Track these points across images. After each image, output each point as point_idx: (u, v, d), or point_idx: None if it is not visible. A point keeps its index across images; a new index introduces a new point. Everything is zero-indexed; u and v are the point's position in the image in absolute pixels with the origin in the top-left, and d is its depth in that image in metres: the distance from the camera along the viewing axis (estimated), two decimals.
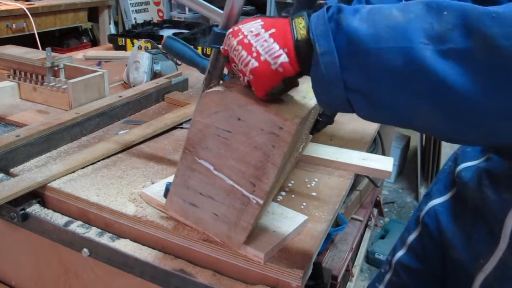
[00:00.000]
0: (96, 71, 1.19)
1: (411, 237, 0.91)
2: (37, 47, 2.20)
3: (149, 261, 0.71)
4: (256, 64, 0.51)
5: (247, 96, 0.57)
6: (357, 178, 1.80)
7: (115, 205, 0.77)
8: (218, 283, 0.67)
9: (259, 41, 0.51)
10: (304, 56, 0.50)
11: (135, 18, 3.60)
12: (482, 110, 0.43)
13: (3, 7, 2.33)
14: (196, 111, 0.62)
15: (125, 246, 0.74)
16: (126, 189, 0.82)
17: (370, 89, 0.47)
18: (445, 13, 0.44)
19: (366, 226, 2.08)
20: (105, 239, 0.75)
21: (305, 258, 0.68)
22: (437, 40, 0.43)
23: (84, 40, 3.07)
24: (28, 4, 2.46)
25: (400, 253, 0.94)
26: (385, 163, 0.94)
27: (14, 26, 2.36)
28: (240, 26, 0.54)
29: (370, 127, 1.21)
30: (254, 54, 0.51)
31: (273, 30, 0.51)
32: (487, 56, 0.41)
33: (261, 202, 0.60)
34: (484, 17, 0.42)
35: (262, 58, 0.51)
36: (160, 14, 3.83)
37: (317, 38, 0.48)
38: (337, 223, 1.59)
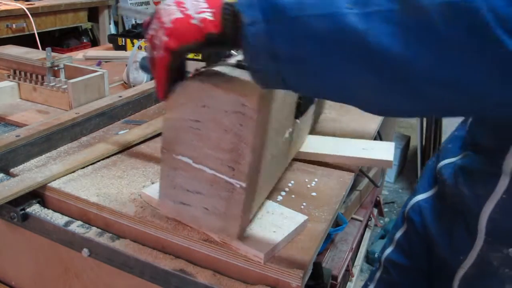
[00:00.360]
0: (96, 71, 1.19)
1: (398, 234, 0.92)
2: (37, 47, 2.20)
3: (149, 261, 0.71)
4: (179, 15, 0.51)
5: (207, 82, 0.58)
6: (357, 178, 1.81)
7: (115, 205, 0.77)
8: (218, 283, 0.67)
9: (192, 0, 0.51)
10: (229, 20, 0.49)
11: (135, 18, 3.59)
12: (411, 72, 0.42)
13: (3, 7, 2.33)
14: (165, 109, 0.63)
15: (125, 246, 0.74)
16: (126, 189, 0.82)
17: (299, 58, 0.46)
18: None
19: (366, 226, 2.08)
20: (105, 239, 0.75)
21: (305, 258, 0.68)
22: (361, 3, 0.43)
23: (84, 40, 3.07)
24: (28, 4, 2.46)
25: (388, 250, 0.94)
26: (386, 151, 0.93)
27: (14, 26, 2.36)
28: None
29: (370, 127, 1.21)
30: (182, 9, 0.51)
31: None
32: (411, 16, 0.41)
33: (244, 185, 0.60)
34: None
35: (187, 12, 0.51)
36: None
37: (242, 8, 0.47)
38: (337, 223, 1.60)
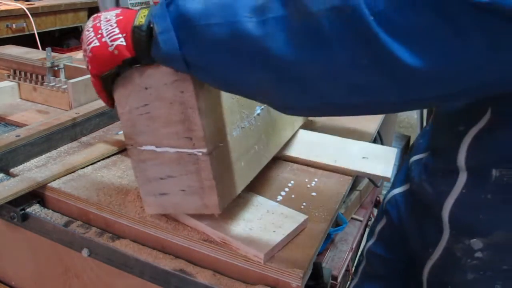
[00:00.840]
0: None
1: (379, 227, 0.93)
2: (37, 47, 2.19)
3: (149, 261, 0.71)
4: (97, 43, 0.56)
5: (141, 66, 0.60)
6: (357, 178, 1.80)
7: (115, 205, 0.77)
8: (218, 283, 0.67)
9: (106, 25, 0.56)
10: (140, 42, 0.54)
11: None
12: (306, 72, 0.46)
13: (3, 7, 2.33)
14: (117, 107, 0.65)
15: (125, 246, 0.74)
16: (126, 189, 0.82)
17: (205, 63, 0.52)
18: None
19: (366, 226, 2.08)
20: (105, 239, 0.75)
21: (305, 258, 0.68)
22: (259, 12, 0.46)
23: None
24: (28, 4, 2.46)
25: (370, 243, 0.96)
26: (385, 165, 0.95)
27: (14, 26, 2.36)
28: (103, 13, 0.59)
29: (370, 127, 1.21)
30: (99, 36, 0.56)
31: (120, 18, 0.57)
32: (301, 22, 0.44)
33: (205, 150, 0.61)
34: None
35: (103, 39, 0.56)
36: None
37: (155, 20, 0.52)
38: (337, 223, 1.59)
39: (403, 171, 0.89)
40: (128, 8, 0.60)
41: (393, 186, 0.90)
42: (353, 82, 0.45)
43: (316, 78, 0.46)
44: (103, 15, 0.59)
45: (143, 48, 0.54)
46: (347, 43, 0.43)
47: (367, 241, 0.98)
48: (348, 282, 1.02)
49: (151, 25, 0.53)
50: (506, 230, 0.63)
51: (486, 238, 0.65)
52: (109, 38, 0.56)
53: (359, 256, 1.00)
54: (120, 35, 0.55)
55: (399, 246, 0.87)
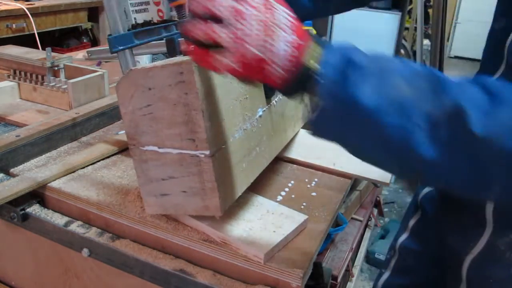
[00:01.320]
0: (96, 71, 1.19)
1: (412, 221, 0.93)
2: (37, 47, 2.19)
3: (149, 261, 0.71)
4: (261, 55, 0.47)
5: (144, 66, 0.61)
6: (357, 178, 1.80)
7: (115, 205, 0.77)
8: (218, 283, 0.67)
9: (280, 38, 0.47)
10: (300, 77, 0.49)
11: (135, 18, 3.60)
12: (443, 177, 0.50)
13: (3, 7, 2.33)
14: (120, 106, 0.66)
15: (125, 246, 0.74)
16: (126, 189, 0.82)
17: (353, 143, 0.52)
18: (446, 100, 0.46)
19: (366, 226, 2.08)
20: (105, 239, 0.75)
21: (305, 258, 0.68)
22: (432, 126, 0.46)
23: (84, 40, 3.07)
24: (28, 4, 2.45)
25: (402, 237, 0.95)
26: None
27: (14, 26, 2.35)
28: (274, 3, 0.48)
29: None
30: (268, 46, 0.47)
31: (295, 38, 0.48)
32: (465, 148, 0.46)
33: (207, 152, 0.61)
34: (477, 114, 0.45)
35: (271, 52, 0.47)
36: (160, 14, 3.83)
37: (323, 95, 0.48)
38: (337, 223, 1.60)
39: None
40: (297, 21, 0.50)
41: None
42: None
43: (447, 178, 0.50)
44: (277, 13, 0.48)
45: (299, 87, 0.51)
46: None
47: (398, 235, 0.97)
48: (376, 276, 1.04)
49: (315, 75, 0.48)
50: None
51: None
52: (278, 58, 0.48)
53: (390, 251, 1.01)
54: (287, 61, 0.48)
55: (434, 241, 0.86)
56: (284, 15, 0.48)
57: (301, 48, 0.48)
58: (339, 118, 0.49)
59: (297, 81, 0.49)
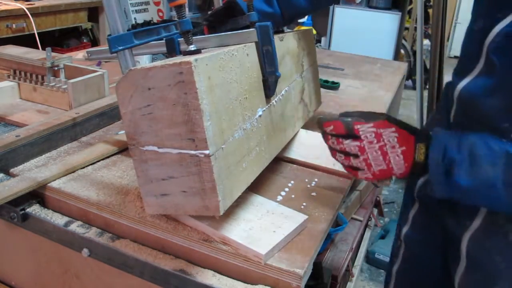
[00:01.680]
0: (96, 71, 1.19)
1: (412, 213, 1.01)
2: (37, 47, 2.20)
3: (149, 261, 0.71)
4: (385, 167, 0.73)
5: (143, 66, 0.62)
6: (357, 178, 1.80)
7: (115, 205, 0.77)
8: (218, 283, 0.67)
9: (393, 154, 0.72)
10: (414, 173, 0.73)
11: (135, 18, 3.60)
12: None
13: (3, 7, 2.33)
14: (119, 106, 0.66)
15: (125, 246, 0.74)
16: (126, 189, 0.82)
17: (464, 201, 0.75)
18: None
19: (366, 226, 2.08)
20: (105, 239, 0.75)
21: (305, 258, 0.68)
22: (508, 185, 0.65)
23: (84, 40, 3.07)
24: (28, 4, 2.45)
25: (405, 229, 1.04)
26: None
27: (14, 26, 2.36)
28: (381, 131, 0.71)
29: None
30: (387, 162, 0.72)
31: (403, 148, 0.71)
32: None
33: (207, 152, 0.61)
34: None
35: (390, 165, 0.72)
36: (160, 14, 3.83)
37: (434, 182, 0.70)
38: (337, 223, 1.59)
39: None
40: (397, 124, 0.72)
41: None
42: None
43: None
44: (384, 134, 0.71)
45: (412, 177, 0.71)
46: None
47: (401, 226, 1.06)
48: (388, 266, 1.13)
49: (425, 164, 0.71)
50: None
51: None
52: (397, 168, 0.72)
53: (396, 241, 1.10)
54: (403, 167, 0.72)
55: (435, 227, 0.94)
56: (391, 135, 0.71)
57: (408, 154, 0.72)
58: (448, 191, 0.70)
59: (412, 172, 0.73)
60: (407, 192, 1.01)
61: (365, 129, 0.71)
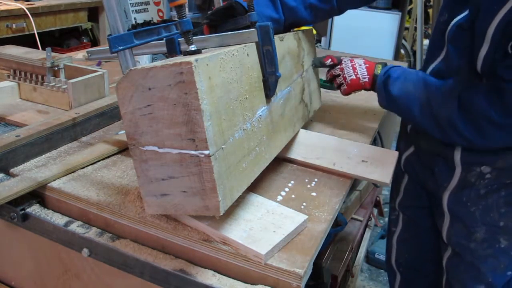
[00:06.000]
0: (96, 71, 1.19)
1: (403, 184, 1.24)
2: (37, 47, 2.19)
3: (149, 261, 0.71)
4: (354, 77, 1.09)
5: (143, 66, 0.62)
6: (357, 178, 1.80)
7: (115, 205, 0.77)
8: (218, 283, 0.67)
9: (360, 68, 1.09)
10: (375, 82, 1.07)
11: (135, 18, 3.59)
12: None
13: (3, 7, 2.33)
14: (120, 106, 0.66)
15: (125, 246, 0.74)
16: (126, 189, 0.82)
17: (393, 109, 1.08)
18: (428, 91, 0.98)
19: (366, 226, 2.08)
20: (105, 239, 0.75)
21: (305, 258, 0.68)
22: (421, 102, 0.98)
23: (84, 40, 3.07)
24: (28, 4, 2.45)
25: (399, 198, 1.27)
26: (385, 170, 0.95)
27: (14, 26, 2.35)
28: (355, 58, 1.11)
29: (370, 126, 1.21)
30: (355, 73, 1.09)
31: (367, 65, 1.09)
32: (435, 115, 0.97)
33: (207, 152, 0.61)
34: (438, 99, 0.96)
35: (358, 75, 1.09)
36: (160, 14, 3.82)
37: (379, 88, 1.06)
38: (337, 223, 1.60)
39: (405, 138, 1.19)
40: (365, 59, 1.13)
41: (403, 151, 1.20)
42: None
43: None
44: (357, 61, 1.10)
45: (375, 85, 1.07)
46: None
47: (394, 197, 1.29)
48: (391, 235, 1.35)
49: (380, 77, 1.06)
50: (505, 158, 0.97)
51: (493, 164, 0.98)
52: (361, 76, 1.08)
53: (393, 211, 1.31)
54: (367, 76, 1.08)
55: (422, 193, 1.18)
56: (360, 60, 1.11)
57: (370, 69, 1.09)
58: (385, 99, 1.05)
59: (375, 82, 1.07)
60: (397, 167, 1.11)
61: (345, 58, 1.12)
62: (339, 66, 1.10)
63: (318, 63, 1.15)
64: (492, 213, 1.00)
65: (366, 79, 1.06)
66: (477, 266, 1.05)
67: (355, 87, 1.08)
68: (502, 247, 1.02)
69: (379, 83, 1.04)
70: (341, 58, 1.11)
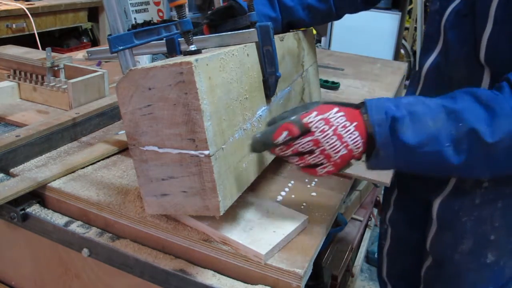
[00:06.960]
0: (96, 71, 1.19)
1: (393, 197, 1.17)
2: (37, 47, 2.19)
3: (149, 261, 0.71)
4: (345, 151, 0.66)
5: (144, 66, 0.62)
6: (357, 178, 1.80)
7: (115, 205, 0.77)
8: (218, 283, 0.67)
9: (347, 133, 0.65)
10: (371, 148, 0.67)
11: (135, 18, 3.59)
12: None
13: (3, 7, 2.33)
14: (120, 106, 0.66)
15: (125, 246, 0.74)
16: (126, 189, 0.82)
17: (410, 170, 0.76)
18: (461, 125, 0.65)
19: (366, 226, 2.08)
20: (105, 239, 0.75)
21: (305, 258, 0.68)
22: (456, 143, 0.66)
23: (84, 40, 3.07)
24: (28, 4, 2.45)
25: (389, 213, 1.19)
26: (384, 172, 0.95)
27: (14, 26, 2.35)
28: (327, 115, 0.65)
29: None
30: (345, 144, 0.65)
31: (355, 123, 0.66)
32: (482, 152, 0.66)
33: (207, 152, 0.61)
34: (485, 128, 0.65)
35: (349, 147, 0.65)
36: (160, 14, 3.82)
37: (381, 146, 0.66)
38: (337, 223, 1.60)
39: None
40: (339, 104, 0.68)
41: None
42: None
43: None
44: (337, 121, 0.65)
45: (371, 151, 0.67)
46: None
47: (385, 212, 1.21)
48: (376, 254, 1.31)
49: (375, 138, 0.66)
50: None
51: None
52: (355, 146, 0.66)
53: (382, 225, 1.26)
54: (360, 141, 0.66)
55: (411, 204, 1.10)
56: (338, 115, 0.66)
57: (361, 127, 0.66)
58: (393, 157, 0.67)
59: (372, 147, 0.67)
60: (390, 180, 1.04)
61: (314, 119, 0.64)
62: (309, 138, 0.64)
63: (261, 145, 0.66)
64: (484, 225, 0.91)
65: (361, 147, 0.66)
66: (457, 280, 0.99)
67: (345, 164, 0.67)
68: (488, 262, 0.94)
69: (384, 136, 0.65)
70: (308, 122, 0.64)
